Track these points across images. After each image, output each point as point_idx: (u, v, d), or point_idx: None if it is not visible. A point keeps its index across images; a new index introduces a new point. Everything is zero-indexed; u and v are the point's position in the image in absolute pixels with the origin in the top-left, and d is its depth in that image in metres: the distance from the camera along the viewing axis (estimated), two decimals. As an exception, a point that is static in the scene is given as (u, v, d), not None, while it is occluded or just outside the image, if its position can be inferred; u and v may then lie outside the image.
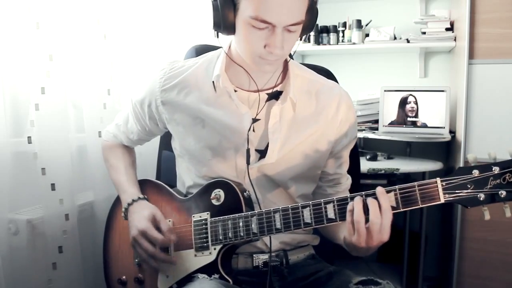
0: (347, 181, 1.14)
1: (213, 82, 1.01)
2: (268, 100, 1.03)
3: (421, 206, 0.83)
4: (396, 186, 0.84)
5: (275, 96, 1.03)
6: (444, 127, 2.21)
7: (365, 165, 2.02)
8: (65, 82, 1.30)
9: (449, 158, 2.39)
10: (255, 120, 1.01)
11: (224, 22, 0.91)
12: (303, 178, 1.08)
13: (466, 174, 0.81)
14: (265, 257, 1.05)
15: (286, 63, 1.05)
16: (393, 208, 0.84)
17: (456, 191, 0.81)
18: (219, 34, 0.95)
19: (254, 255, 1.06)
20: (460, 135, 2.03)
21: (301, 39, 0.96)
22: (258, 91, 1.02)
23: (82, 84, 1.39)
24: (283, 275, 1.06)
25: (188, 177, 1.12)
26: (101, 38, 1.43)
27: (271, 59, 0.91)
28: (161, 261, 1.02)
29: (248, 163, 1.01)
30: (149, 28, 1.67)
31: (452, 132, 2.19)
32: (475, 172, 0.80)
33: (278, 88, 1.04)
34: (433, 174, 1.98)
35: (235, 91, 1.02)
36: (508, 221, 1.94)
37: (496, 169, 0.79)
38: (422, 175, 2.08)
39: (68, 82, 1.33)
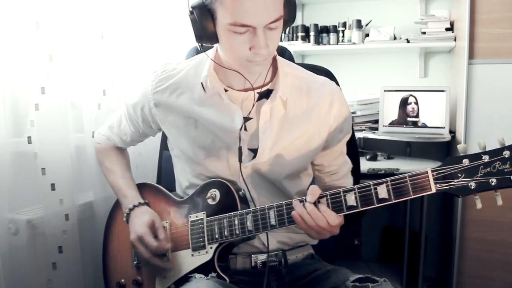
0: (344, 168, 1.15)
1: (202, 83, 1.02)
2: (259, 99, 1.03)
3: (412, 196, 0.84)
4: (388, 178, 0.86)
5: (265, 95, 1.03)
6: (444, 127, 2.21)
7: (365, 165, 2.02)
8: (65, 82, 1.30)
9: (449, 158, 2.38)
10: (247, 119, 1.02)
11: (205, 33, 0.91)
12: (298, 175, 1.09)
13: (457, 164, 0.82)
14: (263, 257, 1.05)
15: (275, 60, 1.04)
16: (384, 199, 0.86)
17: (447, 181, 0.82)
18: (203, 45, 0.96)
19: (252, 255, 1.06)
20: (460, 135, 2.03)
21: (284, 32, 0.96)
22: (249, 89, 1.02)
23: (81, 84, 1.39)
24: (281, 275, 1.06)
25: (184, 177, 1.13)
26: (99, 39, 1.43)
27: (259, 60, 0.91)
28: (157, 266, 1.04)
29: (240, 161, 1.01)
30: (147, 29, 1.67)
31: (452, 132, 2.18)
32: (466, 161, 0.81)
33: (268, 87, 1.03)
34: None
35: (226, 90, 1.02)
36: (508, 221, 1.95)
37: (486, 158, 0.80)
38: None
39: (68, 82, 1.33)
